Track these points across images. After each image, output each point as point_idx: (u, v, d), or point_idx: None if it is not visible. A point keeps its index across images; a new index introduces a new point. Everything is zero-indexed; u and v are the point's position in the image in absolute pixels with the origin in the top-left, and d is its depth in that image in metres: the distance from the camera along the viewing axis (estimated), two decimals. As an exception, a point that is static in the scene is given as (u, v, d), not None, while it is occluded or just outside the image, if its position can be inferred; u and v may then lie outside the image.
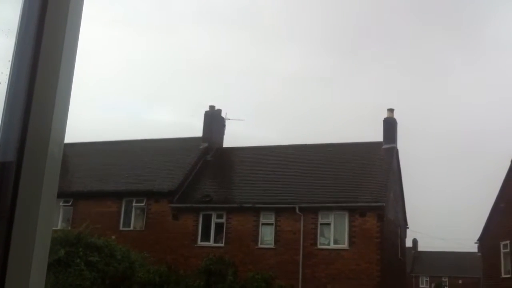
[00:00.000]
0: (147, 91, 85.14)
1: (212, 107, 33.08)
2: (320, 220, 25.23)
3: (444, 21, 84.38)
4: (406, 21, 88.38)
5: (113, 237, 19.85)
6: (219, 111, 33.23)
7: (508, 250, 29.67)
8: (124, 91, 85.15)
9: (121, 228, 27.74)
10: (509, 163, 30.57)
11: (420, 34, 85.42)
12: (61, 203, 27.71)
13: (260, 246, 25.79)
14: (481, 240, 33.74)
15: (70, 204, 28.42)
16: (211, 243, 26.53)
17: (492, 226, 31.97)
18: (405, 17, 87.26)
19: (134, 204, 28.32)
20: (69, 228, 22.78)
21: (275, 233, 25.72)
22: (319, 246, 25.05)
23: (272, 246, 25.65)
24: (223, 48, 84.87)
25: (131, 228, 28.08)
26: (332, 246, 24.94)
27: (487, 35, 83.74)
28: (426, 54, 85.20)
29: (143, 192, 28.07)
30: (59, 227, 24.88)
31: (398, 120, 30.44)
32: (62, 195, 27.05)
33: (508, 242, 29.69)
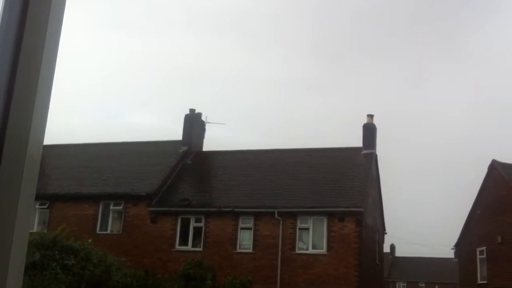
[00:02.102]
0: (131, 94, 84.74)
1: (192, 110, 32.98)
2: (299, 225, 25.30)
3: (427, 31, 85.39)
4: (389, 30, 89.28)
5: (90, 240, 19.62)
6: (199, 114, 33.14)
7: (484, 256, 30.05)
8: (108, 93, 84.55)
9: (98, 232, 27.46)
10: (486, 171, 30.99)
11: (403, 43, 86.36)
12: (37, 206, 27.37)
13: (238, 250, 25.76)
14: (458, 246, 34.12)
15: (46, 206, 28.10)
16: (189, 247, 26.43)
17: (469, 233, 32.36)
18: (388, 26, 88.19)
19: (111, 207, 28.07)
20: (45, 231, 22.50)
21: (254, 237, 25.70)
22: (298, 251, 25.09)
23: (250, 250, 25.63)
24: (208, 53, 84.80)
25: (108, 231, 27.83)
26: (311, 251, 25.01)
27: (468, 46, 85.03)
28: (407, 63, 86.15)
29: (121, 195, 27.85)
30: (35, 230, 24.55)
31: (378, 126, 30.70)
32: (39, 197, 26.72)
33: (484, 248, 30.07)
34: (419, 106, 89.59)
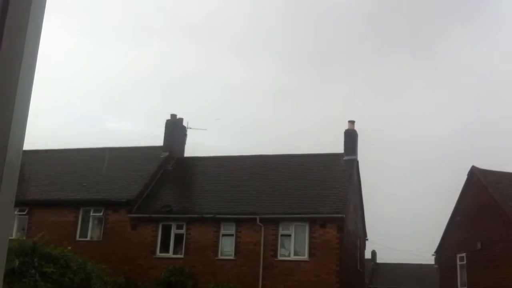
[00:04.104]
0: (113, 100, 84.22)
1: (173, 115, 32.82)
2: (281, 231, 25.28)
3: (407, 40, 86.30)
4: (370, 38, 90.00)
5: (69, 247, 19.39)
6: (181, 120, 33.00)
7: (464, 262, 30.27)
8: (89, 99, 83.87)
9: (77, 238, 27.19)
10: (465, 177, 31.24)
11: (384, 51, 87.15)
12: (16, 212, 27.01)
13: (220, 257, 25.66)
14: (438, 253, 34.33)
15: (25, 213, 27.76)
16: (170, 254, 26.26)
17: (449, 239, 32.59)
18: (369, 33, 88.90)
19: (91, 213, 27.81)
20: (24, 237, 22.22)
21: (236, 244, 25.63)
22: (279, 258, 25.06)
23: (232, 257, 25.55)
24: (189, 59, 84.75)
25: (88, 238, 27.56)
26: (292, 257, 25.00)
27: (445, 58, 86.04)
28: (389, 71, 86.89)
29: (101, 201, 27.61)
30: (13, 237, 24.25)
31: (359, 133, 30.83)
32: (18, 203, 26.22)
33: (464, 254, 30.29)
34: (400, 113, 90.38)
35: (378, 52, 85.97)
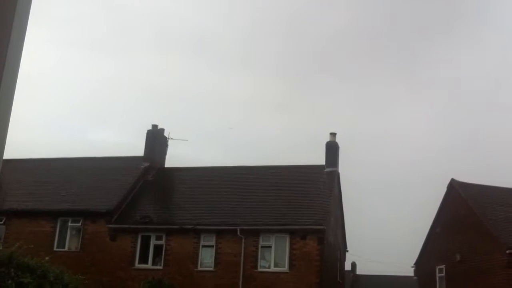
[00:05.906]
0: (95, 111, 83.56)
1: (154, 126, 32.60)
2: (261, 243, 25.16)
3: (391, 57, 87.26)
4: (355, 53, 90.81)
5: (47, 258, 19.06)
6: (162, 130, 32.78)
7: (443, 274, 30.44)
8: (70, 110, 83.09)
9: (55, 249, 26.77)
10: (445, 190, 31.45)
11: (367, 67, 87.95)
12: (-8, 222, 26.57)
13: (200, 268, 25.46)
14: (417, 264, 34.49)
15: (2, 222, 27.29)
16: (149, 265, 25.99)
17: (428, 251, 32.77)
18: (353, 49, 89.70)
19: (69, 224, 27.44)
20: (1, 247, 21.81)
21: (216, 255, 25.46)
22: (260, 269, 24.93)
23: (212, 268, 25.36)
24: (171, 71, 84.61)
25: (66, 248, 27.16)
26: (273, 269, 24.88)
27: (426, 72, 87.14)
28: (371, 86, 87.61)
29: (80, 211, 27.27)
30: (-11, 247, 23.80)
31: (341, 146, 30.87)
32: (-6, 213, 25.97)
33: (443, 266, 30.47)
34: (382, 127, 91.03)
35: (359, 66, 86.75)
